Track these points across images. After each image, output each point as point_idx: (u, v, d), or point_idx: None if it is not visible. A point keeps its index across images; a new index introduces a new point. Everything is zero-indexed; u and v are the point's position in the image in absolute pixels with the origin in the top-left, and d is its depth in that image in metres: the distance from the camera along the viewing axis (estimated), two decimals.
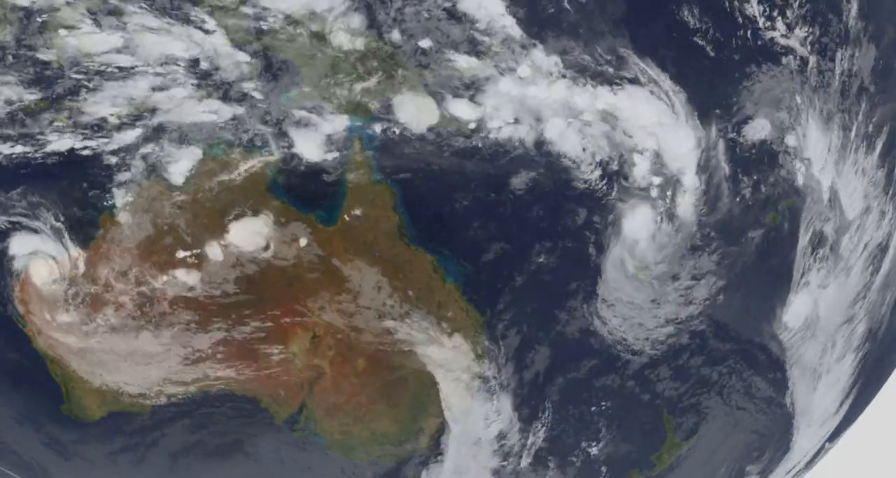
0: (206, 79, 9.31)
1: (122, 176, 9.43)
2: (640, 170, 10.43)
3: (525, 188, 10.11)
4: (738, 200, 10.97)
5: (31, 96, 9.16)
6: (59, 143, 9.26)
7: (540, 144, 10.02)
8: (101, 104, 9.24)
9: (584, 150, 10.14)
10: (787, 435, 13.27)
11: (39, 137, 9.25)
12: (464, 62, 9.57)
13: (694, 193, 10.68)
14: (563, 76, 9.89)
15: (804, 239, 11.63)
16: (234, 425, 10.63)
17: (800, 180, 11.25)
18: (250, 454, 10.91)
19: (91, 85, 9.17)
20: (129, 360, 10.03)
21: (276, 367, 10.22)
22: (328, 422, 10.72)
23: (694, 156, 10.58)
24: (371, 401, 10.65)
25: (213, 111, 9.41)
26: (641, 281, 10.94)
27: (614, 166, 10.36)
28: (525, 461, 11.61)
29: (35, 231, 9.56)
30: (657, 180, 10.46)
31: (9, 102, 9.12)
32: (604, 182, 10.40)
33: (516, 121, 9.83)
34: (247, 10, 9.26)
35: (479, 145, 9.82)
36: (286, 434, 10.71)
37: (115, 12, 9.06)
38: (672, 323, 11.31)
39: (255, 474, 11.12)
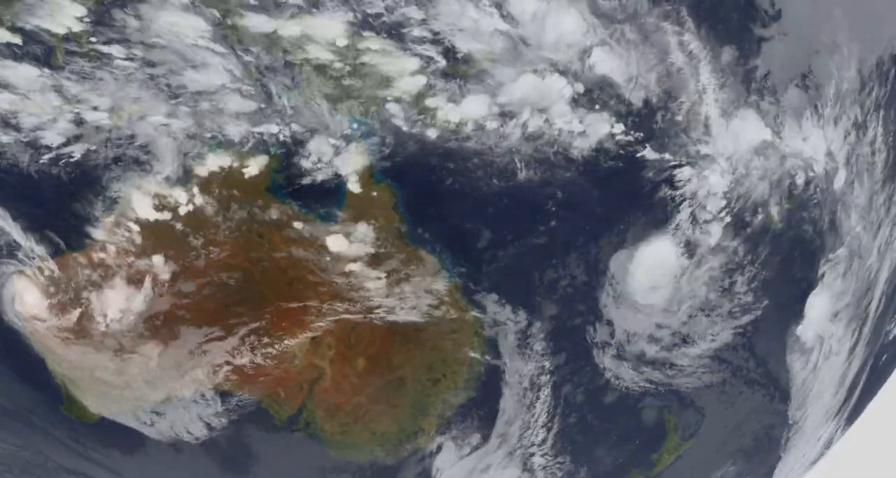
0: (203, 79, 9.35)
1: (121, 175, 9.44)
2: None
3: (530, 189, 10.13)
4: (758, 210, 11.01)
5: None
6: (54, 139, 9.27)
7: (552, 143, 10.03)
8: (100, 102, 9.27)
9: (600, 148, 10.14)
10: (784, 438, 13.27)
11: (38, 133, 9.27)
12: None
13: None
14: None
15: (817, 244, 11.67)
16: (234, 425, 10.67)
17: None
18: (250, 454, 10.95)
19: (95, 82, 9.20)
20: (131, 365, 10.05)
21: (276, 367, 10.23)
22: (328, 422, 10.72)
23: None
24: (371, 401, 10.66)
25: (213, 112, 9.43)
26: (655, 289, 10.98)
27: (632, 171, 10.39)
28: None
29: (24, 235, 9.58)
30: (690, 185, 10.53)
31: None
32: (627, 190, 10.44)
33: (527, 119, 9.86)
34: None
35: (483, 146, 9.83)
36: (286, 434, 10.75)
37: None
38: (684, 331, 11.37)
39: (255, 473, 11.15)
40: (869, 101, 11.39)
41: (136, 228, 9.55)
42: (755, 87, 10.59)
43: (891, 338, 13.70)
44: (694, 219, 10.77)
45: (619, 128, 10.16)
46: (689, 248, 10.87)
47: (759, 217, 11.08)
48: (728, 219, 10.89)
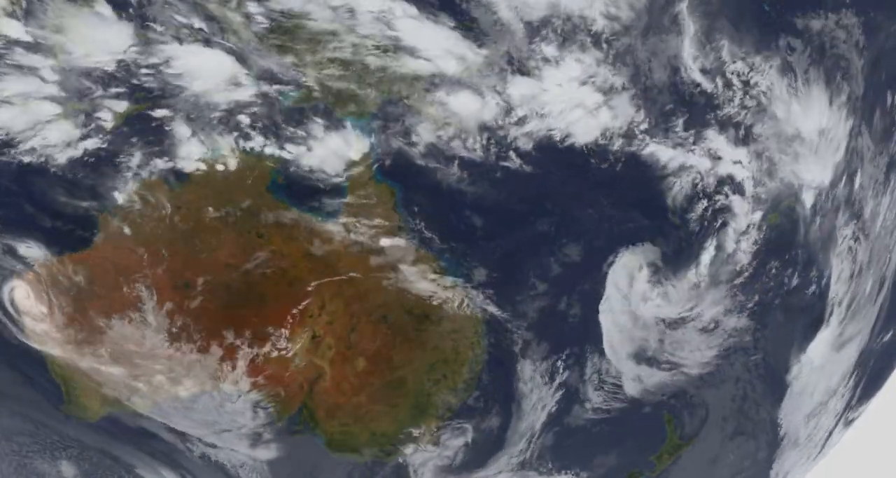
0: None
1: (123, 175, 9.45)
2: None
3: (534, 189, 10.12)
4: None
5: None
6: (54, 138, 9.28)
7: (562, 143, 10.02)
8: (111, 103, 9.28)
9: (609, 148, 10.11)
10: (782, 440, 13.27)
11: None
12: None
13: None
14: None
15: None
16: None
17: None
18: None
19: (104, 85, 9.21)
20: (131, 364, 10.05)
21: (276, 367, 10.23)
22: (328, 422, 10.72)
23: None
24: (371, 401, 10.65)
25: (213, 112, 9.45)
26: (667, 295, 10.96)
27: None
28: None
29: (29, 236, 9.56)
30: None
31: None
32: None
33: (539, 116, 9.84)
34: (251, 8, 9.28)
35: (486, 145, 9.83)
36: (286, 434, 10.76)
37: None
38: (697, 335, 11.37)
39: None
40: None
41: (135, 228, 9.56)
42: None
43: (884, 343, 13.72)
44: (715, 224, 10.74)
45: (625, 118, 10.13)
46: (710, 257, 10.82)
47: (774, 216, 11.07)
48: (753, 221, 10.86)
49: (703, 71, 10.30)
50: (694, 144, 10.44)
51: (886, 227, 12.48)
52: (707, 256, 10.88)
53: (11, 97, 9.15)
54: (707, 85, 10.36)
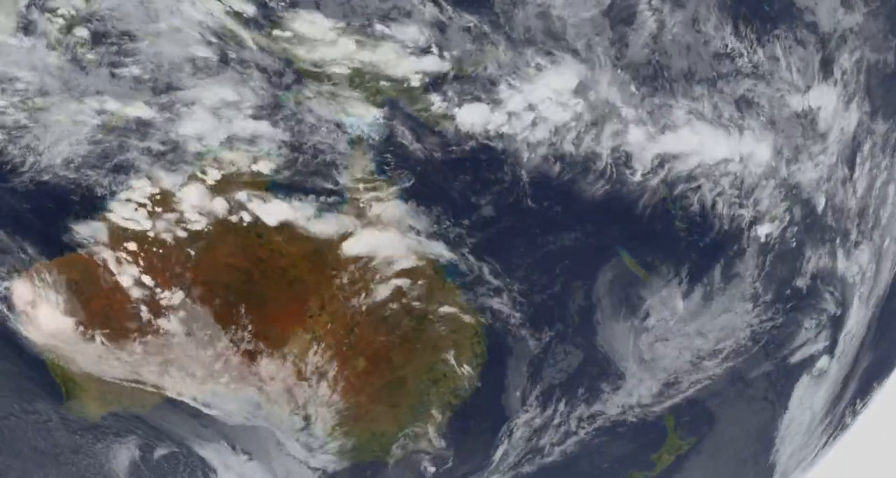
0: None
1: (123, 175, 9.45)
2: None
3: (537, 189, 10.13)
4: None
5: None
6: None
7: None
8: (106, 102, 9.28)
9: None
10: (778, 440, 13.33)
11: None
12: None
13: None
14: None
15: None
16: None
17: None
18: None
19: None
20: (131, 364, 10.06)
21: (276, 367, 10.25)
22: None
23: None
24: (371, 401, 10.66)
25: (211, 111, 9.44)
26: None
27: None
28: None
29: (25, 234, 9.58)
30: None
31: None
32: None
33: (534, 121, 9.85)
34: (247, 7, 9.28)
35: (488, 146, 9.84)
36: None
37: None
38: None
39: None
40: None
41: (134, 228, 9.57)
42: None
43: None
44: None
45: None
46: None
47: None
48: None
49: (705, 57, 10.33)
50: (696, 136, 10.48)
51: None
52: (719, 268, 10.92)
53: (14, 94, 9.17)
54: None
